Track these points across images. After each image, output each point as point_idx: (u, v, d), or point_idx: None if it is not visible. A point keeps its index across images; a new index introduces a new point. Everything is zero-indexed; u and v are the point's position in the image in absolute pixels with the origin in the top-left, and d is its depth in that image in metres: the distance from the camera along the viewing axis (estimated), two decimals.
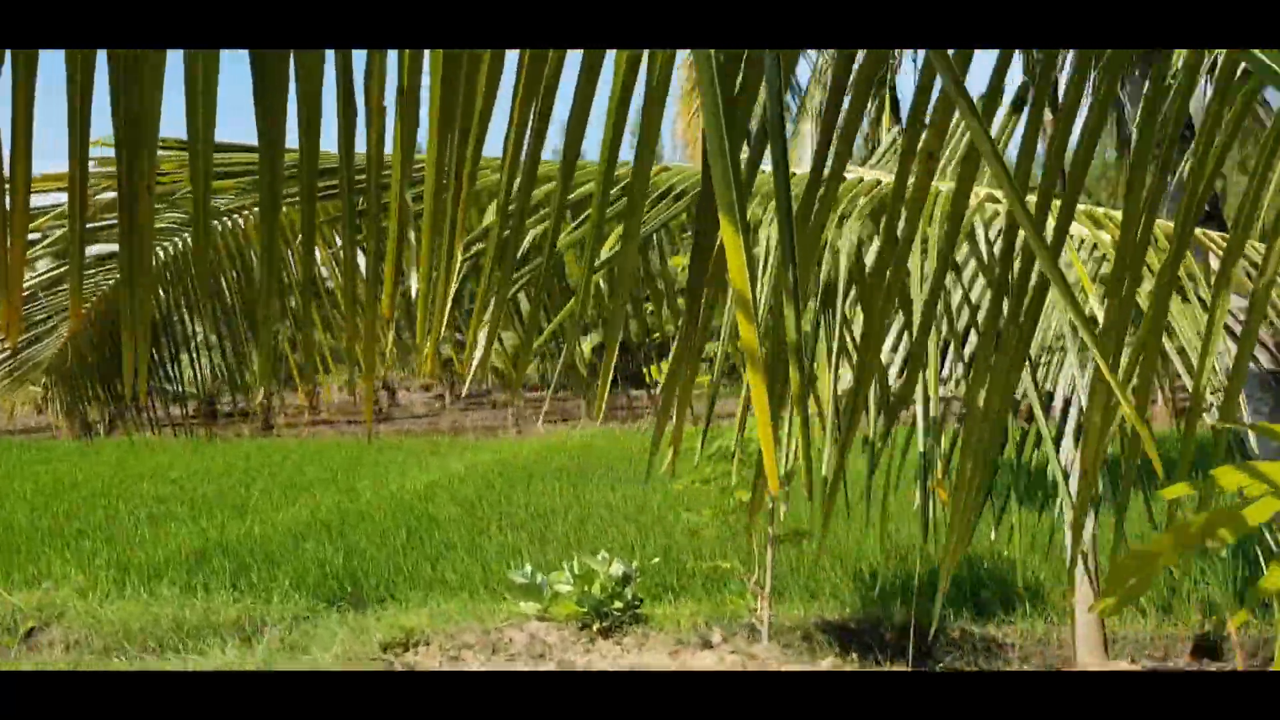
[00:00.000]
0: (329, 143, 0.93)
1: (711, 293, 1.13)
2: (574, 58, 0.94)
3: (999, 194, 2.71)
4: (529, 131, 1.01)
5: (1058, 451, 3.39)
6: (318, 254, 3.04)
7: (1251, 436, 3.21)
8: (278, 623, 7.38)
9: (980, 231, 2.81)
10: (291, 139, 0.92)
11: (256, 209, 2.93)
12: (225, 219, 2.92)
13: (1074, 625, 6.41)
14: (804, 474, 1.57)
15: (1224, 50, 0.94)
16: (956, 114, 1.02)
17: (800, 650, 6.53)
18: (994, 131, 1.61)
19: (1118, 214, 2.07)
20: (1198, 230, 2.74)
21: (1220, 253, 1.88)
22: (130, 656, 6.96)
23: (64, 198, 2.44)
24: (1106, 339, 1.29)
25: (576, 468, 15.48)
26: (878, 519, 9.78)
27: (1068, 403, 3.42)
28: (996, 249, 2.68)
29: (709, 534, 7.08)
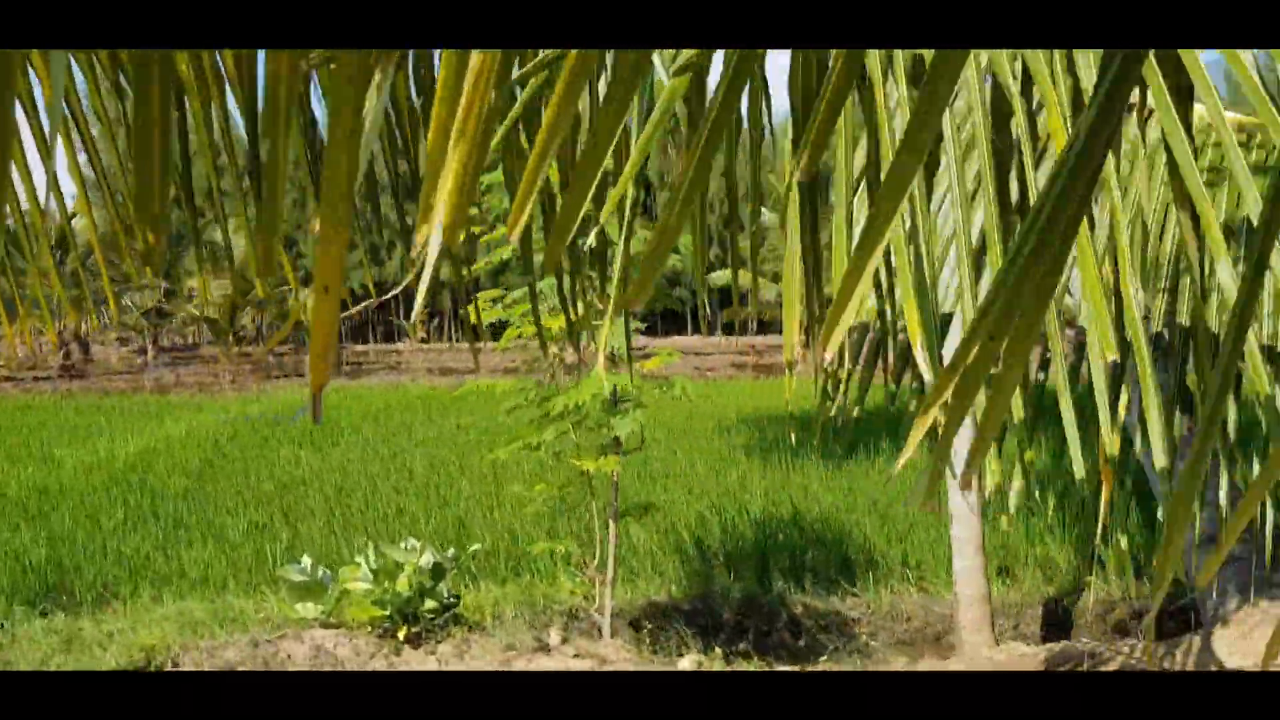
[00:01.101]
0: None
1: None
2: None
3: None
4: None
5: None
6: None
7: None
8: None
9: None
10: None
11: None
12: None
13: (957, 606, 5.73)
14: None
15: None
16: None
17: (650, 647, 5.48)
18: None
19: None
20: None
21: None
22: None
23: None
24: None
25: (319, 428, 13.72)
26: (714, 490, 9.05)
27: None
28: None
29: (531, 511, 5.88)
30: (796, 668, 5.51)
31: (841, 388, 2.79)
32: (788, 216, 1.81)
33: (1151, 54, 1.34)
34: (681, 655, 5.23)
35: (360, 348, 47.87)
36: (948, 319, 2.91)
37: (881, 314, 2.38)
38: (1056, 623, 6.61)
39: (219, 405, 18.00)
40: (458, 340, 51.26)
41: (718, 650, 5.32)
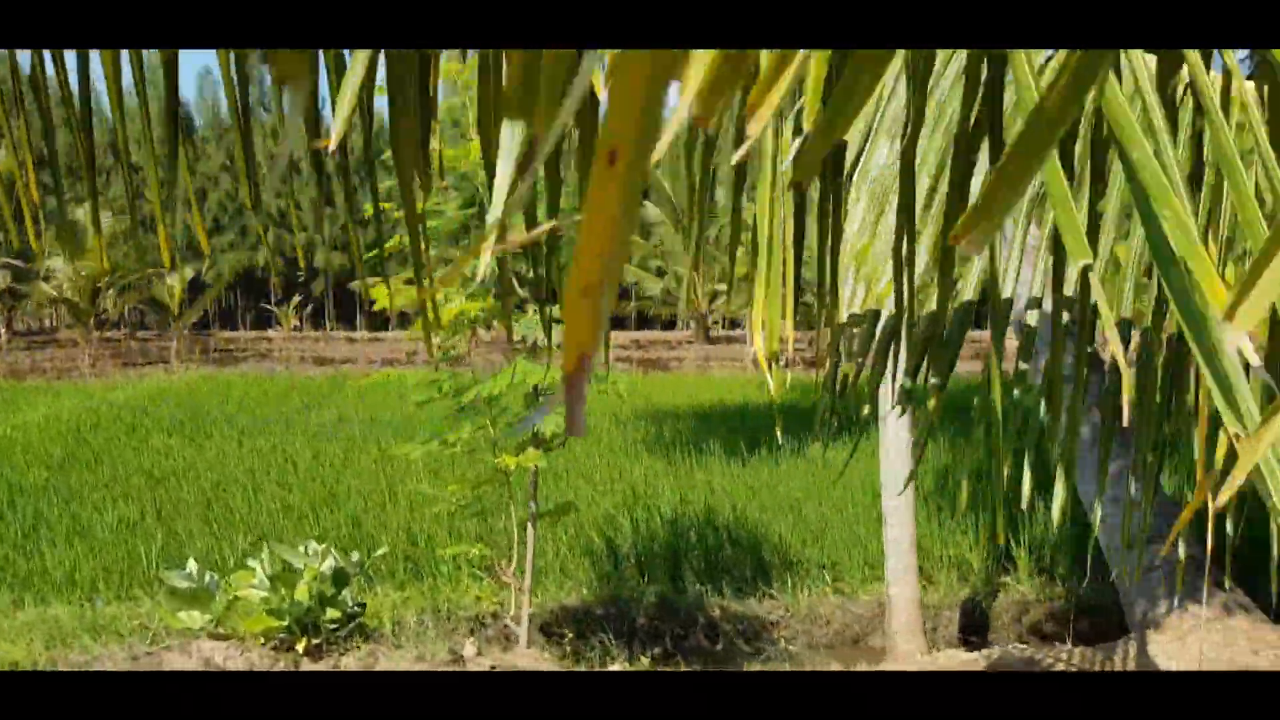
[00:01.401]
0: None
1: None
2: None
3: None
4: None
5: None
6: None
7: None
8: None
9: None
10: None
11: None
12: None
13: (890, 610, 5.55)
14: None
15: None
16: None
17: (573, 656, 5.14)
18: None
19: None
20: None
21: None
22: None
23: None
24: None
25: (191, 417, 12.93)
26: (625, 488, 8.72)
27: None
28: None
29: (436, 510, 5.47)
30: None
31: (849, 379, 2.51)
32: (764, 206, 1.60)
33: None
34: (605, 664, 4.91)
35: (228, 334, 45.96)
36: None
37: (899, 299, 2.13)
38: (974, 625, 6.53)
39: (80, 391, 16.86)
40: (334, 328, 49.79)
41: (644, 659, 5.02)
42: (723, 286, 31.36)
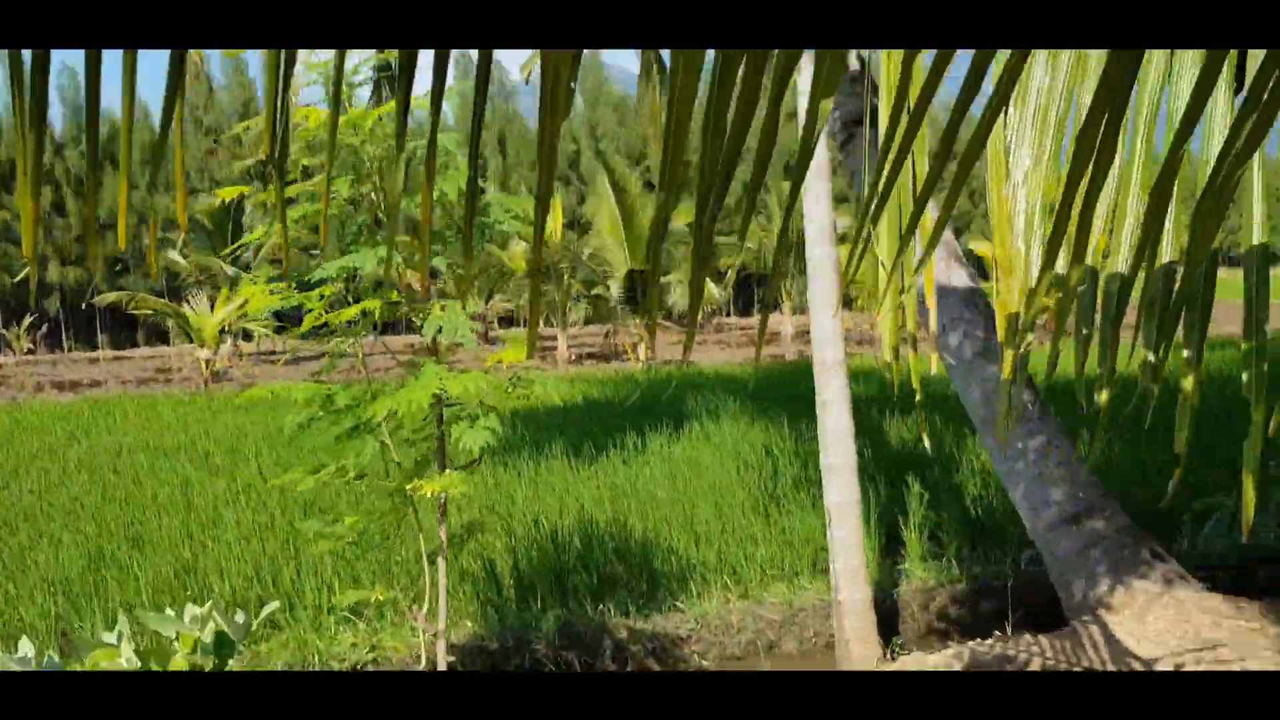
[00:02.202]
0: None
1: None
2: None
3: None
4: None
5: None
6: None
7: None
8: None
9: None
10: None
11: None
12: None
13: (840, 614, 5.15)
14: None
15: None
16: None
17: None
18: None
19: None
20: None
21: None
22: None
23: None
24: None
25: None
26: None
27: None
28: None
29: (324, 547, 4.62)
30: None
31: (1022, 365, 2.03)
32: None
33: None
34: None
35: None
36: None
37: None
38: (887, 620, 6.26)
39: None
40: (74, 348, 45.44)
41: None
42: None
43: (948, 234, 6.00)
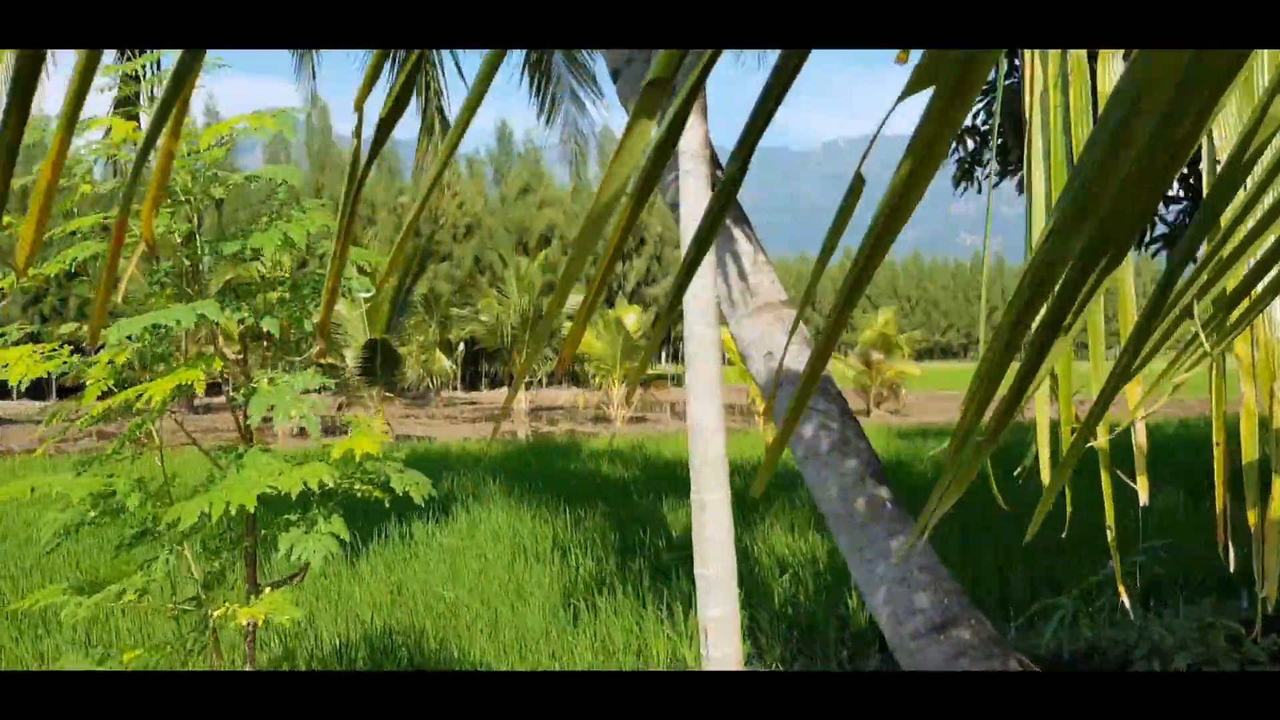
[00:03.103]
0: None
1: None
2: None
3: None
4: None
5: None
6: None
7: None
8: None
9: None
10: None
11: None
12: None
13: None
14: None
15: None
16: None
17: None
18: None
19: None
20: None
21: None
22: None
23: None
24: None
25: None
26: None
27: None
28: None
29: None
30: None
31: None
32: None
33: None
34: None
35: None
36: None
37: None
38: None
39: None
40: None
41: None
42: None
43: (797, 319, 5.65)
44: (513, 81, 9.72)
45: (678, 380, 50.74)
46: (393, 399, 34.87)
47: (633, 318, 30.00)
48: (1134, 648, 5.23)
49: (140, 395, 2.76)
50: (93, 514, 3.12)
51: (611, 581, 7.20)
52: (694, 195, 4.23)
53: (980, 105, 6.98)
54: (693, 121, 4.38)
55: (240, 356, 3.31)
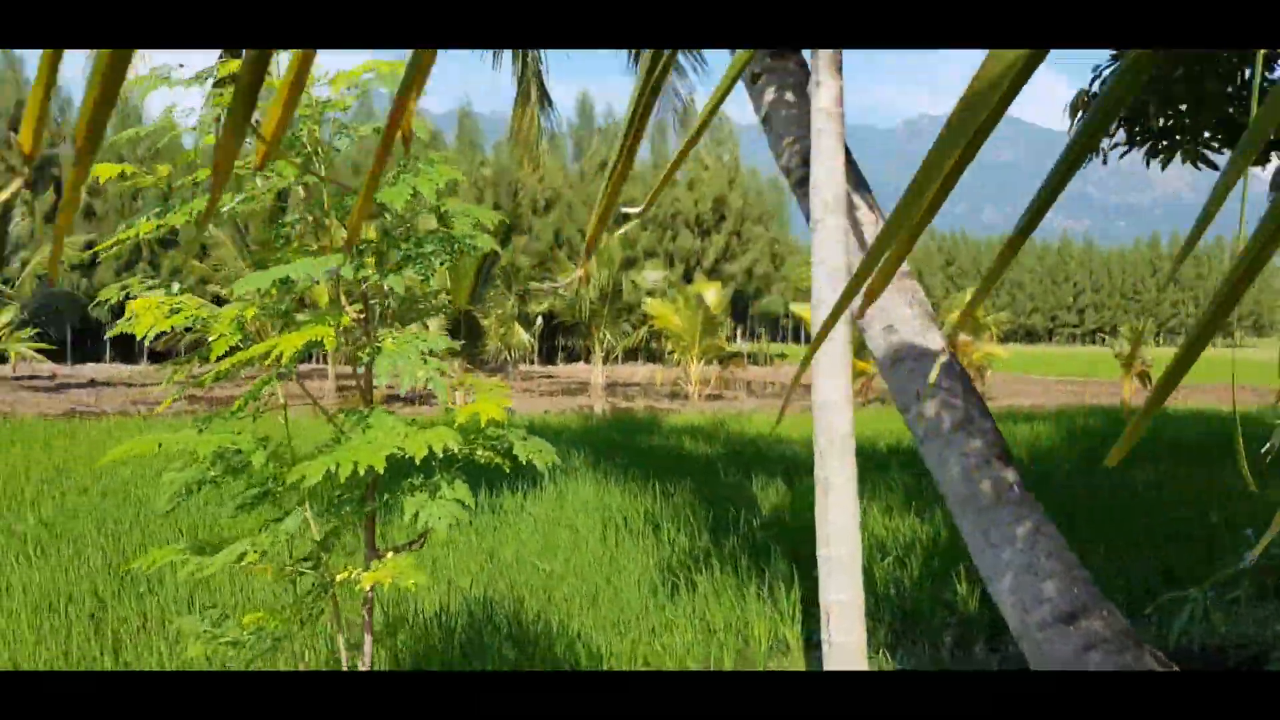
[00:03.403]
0: None
1: None
2: None
3: None
4: None
5: None
6: None
7: None
8: None
9: None
10: None
11: None
12: None
13: None
14: None
15: None
16: None
17: None
18: None
19: None
20: None
21: None
22: None
23: None
24: None
25: None
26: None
27: None
28: None
29: (197, 651, 3.45)
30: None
31: None
32: None
33: None
34: None
35: None
36: None
37: None
38: None
39: None
40: None
41: None
42: None
43: (920, 291, 5.42)
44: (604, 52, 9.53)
45: (754, 359, 50.36)
46: (474, 370, 35.16)
47: (713, 293, 29.72)
48: (1274, 645, 4.93)
49: (270, 351, 2.66)
50: (213, 473, 3.05)
51: (707, 559, 7.05)
52: (829, 154, 4.04)
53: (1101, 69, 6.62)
54: (826, 79, 4.17)
55: (362, 315, 3.20)
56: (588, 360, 43.76)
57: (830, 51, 4.16)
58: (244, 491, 3.11)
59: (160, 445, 2.80)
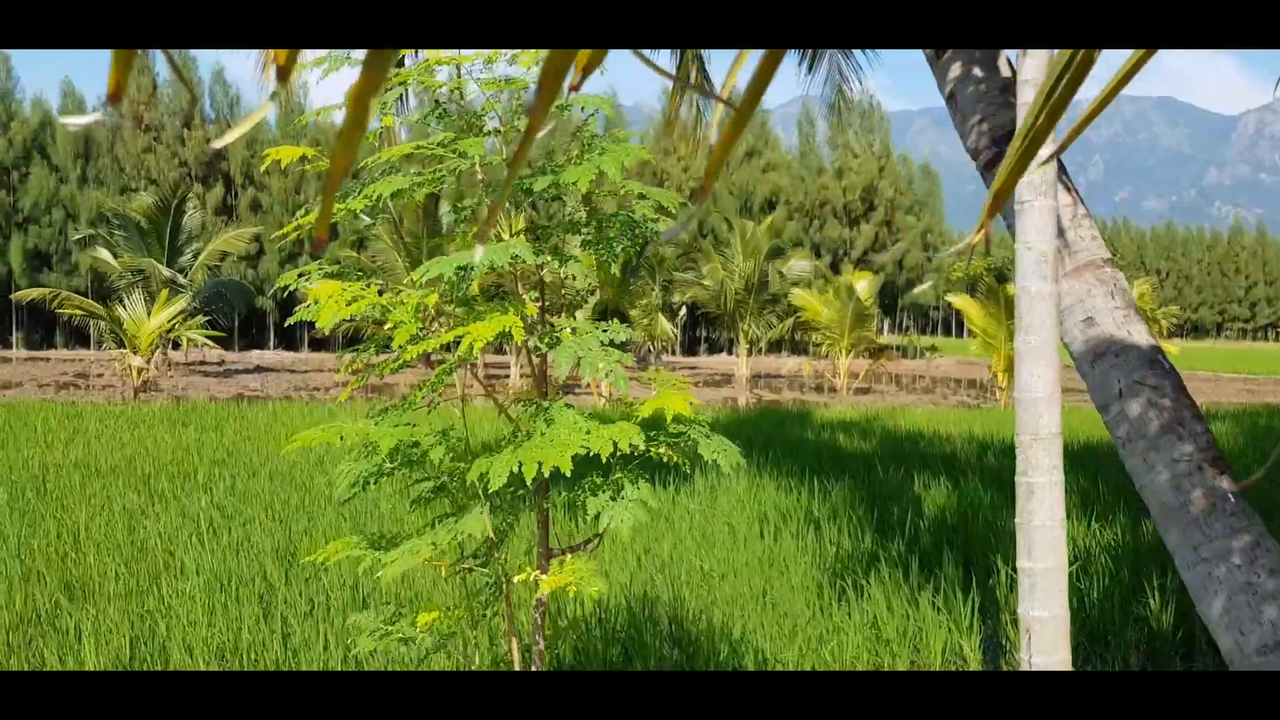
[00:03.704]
0: None
1: None
2: None
3: None
4: None
5: None
6: None
7: None
8: None
9: None
10: None
11: None
12: None
13: None
14: None
15: None
16: None
17: None
18: None
19: None
20: None
21: None
22: None
23: None
24: None
25: None
26: None
27: None
28: None
29: (368, 646, 3.38)
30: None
31: None
32: None
33: None
34: None
35: None
36: None
37: None
38: None
39: None
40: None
41: None
42: None
43: (1123, 279, 5.00)
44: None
45: (904, 351, 49.01)
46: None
47: (864, 284, 29.03)
48: None
49: (459, 340, 2.53)
50: (390, 465, 2.95)
51: (873, 561, 6.73)
52: None
53: None
54: (1032, 50, 3.82)
55: (540, 303, 3.05)
56: (730, 352, 43.43)
57: None
58: (419, 484, 3.01)
59: (342, 437, 2.71)
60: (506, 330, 2.61)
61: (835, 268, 47.61)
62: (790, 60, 9.28)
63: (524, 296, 3.06)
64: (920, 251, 57.26)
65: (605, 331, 2.89)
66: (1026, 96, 3.82)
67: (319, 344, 49.90)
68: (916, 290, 56.40)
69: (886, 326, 57.78)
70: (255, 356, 46.49)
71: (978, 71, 5.31)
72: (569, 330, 2.93)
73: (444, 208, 27.98)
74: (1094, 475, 10.24)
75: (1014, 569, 6.47)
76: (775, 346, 43.96)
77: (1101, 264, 4.76)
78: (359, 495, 2.98)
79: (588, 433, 2.75)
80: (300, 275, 3.11)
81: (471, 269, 2.76)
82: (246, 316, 49.03)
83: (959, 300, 24.22)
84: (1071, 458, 11.65)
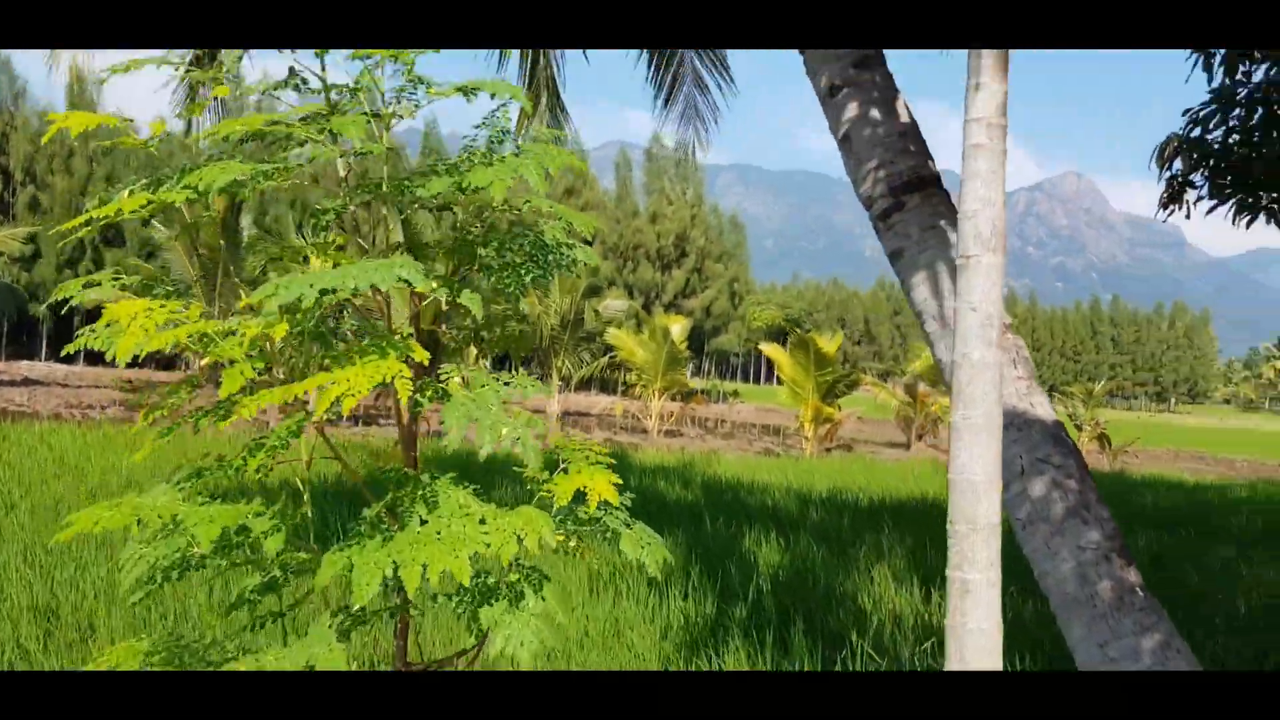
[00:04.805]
0: None
1: None
2: None
3: None
4: None
5: None
6: None
7: None
8: None
9: None
10: None
11: None
12: None
13: None
14: None
15: None
16: None
17: None
18: None
19: None
20: None
21: None
22: None
23: None
24: None
25: None
26: None
27: None
28: None
29: None
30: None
31: None
32: None
33: None
34: None
35: None
36: None
37: None
38: None
39: None
40: None
41: None
42: None
43: (1024, 348, 4.67)
44: (629, 60, 8.81)
45: (709, 395, 49.59)
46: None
47: (678, 328, 29.02)
48: None
49: (326, 386, 1.80)
50: (201, 553, 2.17)
51: (720, 631, 6.22)
52: (986, 176, 3.25)
53: (1196, 112, 6.00)
54: (989, 80, 3.40)
55: (421, 341, 2.34)
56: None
57: (996, 50, 3.41)
58: (242, 577, 2.24)
59: (141, 521, 1.91)
60: (388, 380, 1.89)
61: (648, 309, 47.80)
62: (646, 94, 8.85)
63: (403, 333, 2.34)
64: (727, 299, 58.37)
65: (507, 385, 2.21)
66: (977, 137, 3.40)
67: (97, 358, 46.08)
68: (720, 338, 57.45)
69: (691, 370, 58.59)
70: (25, 368, 42.48)
71: (875, 113, 4.92)
72: (458, 380, 2.24)
73: (244, 220, 26.19)
74: (919, 537, 10.12)
75: (871, 648, 6.09)
76: (585, 384, 43.56)
77: (1003, 329, 4.38)
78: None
79: (482, 521, 2.06)
80: (87, 286, 2.29)
81: (336, 292, 2.03)
82: (17, 323, 44.80)
83: (770, 349, 24.46)
84: (890, 515, 11.58)
